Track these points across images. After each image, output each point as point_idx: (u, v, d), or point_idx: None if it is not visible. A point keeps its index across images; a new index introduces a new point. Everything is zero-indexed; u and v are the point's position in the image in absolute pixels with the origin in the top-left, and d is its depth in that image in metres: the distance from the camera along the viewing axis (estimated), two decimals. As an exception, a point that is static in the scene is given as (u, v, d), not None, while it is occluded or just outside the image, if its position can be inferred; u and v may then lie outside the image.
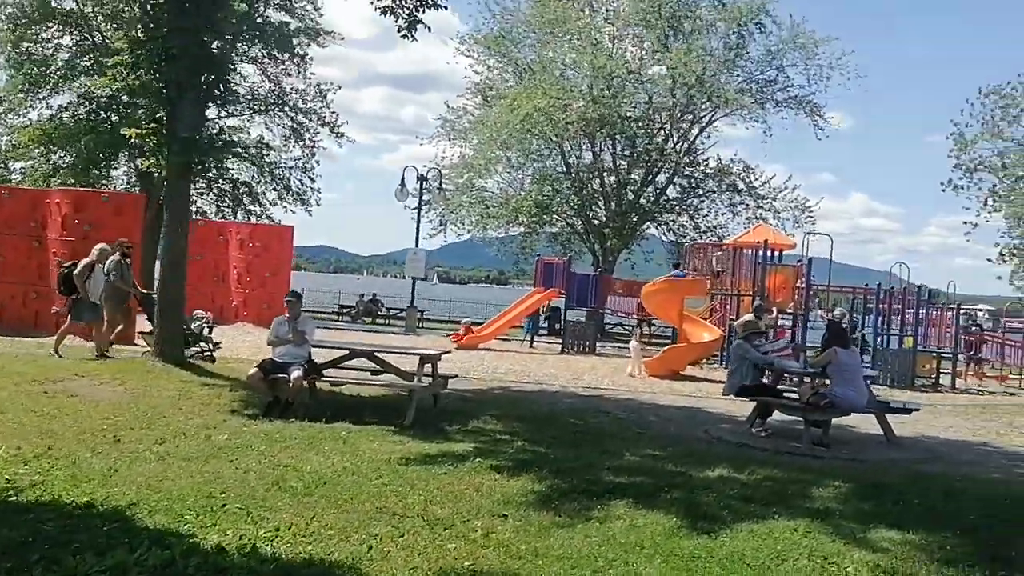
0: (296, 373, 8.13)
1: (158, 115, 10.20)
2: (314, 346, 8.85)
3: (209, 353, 11.50)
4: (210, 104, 10.96)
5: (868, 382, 9.28)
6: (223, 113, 25.53)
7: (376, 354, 9.11)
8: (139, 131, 10.26)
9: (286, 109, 28.21)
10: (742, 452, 7.80)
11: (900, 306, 17.80)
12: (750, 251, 18.17)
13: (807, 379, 9.32)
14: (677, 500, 5.52)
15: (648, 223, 30.30)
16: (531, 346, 21.10)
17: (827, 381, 8.77)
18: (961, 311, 19.27)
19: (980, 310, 33.38)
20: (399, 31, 10.02)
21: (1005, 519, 5.54)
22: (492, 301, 37.75)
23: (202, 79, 10.27)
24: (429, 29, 10.12)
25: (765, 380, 9.69)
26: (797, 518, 5.15)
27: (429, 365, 8.96)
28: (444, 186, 28.29)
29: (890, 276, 19.16)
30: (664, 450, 7.46)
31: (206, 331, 11.83)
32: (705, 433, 8.98)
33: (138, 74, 10.34)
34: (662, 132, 28.96)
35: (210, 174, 24.41)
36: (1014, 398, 16.10)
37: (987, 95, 24.63)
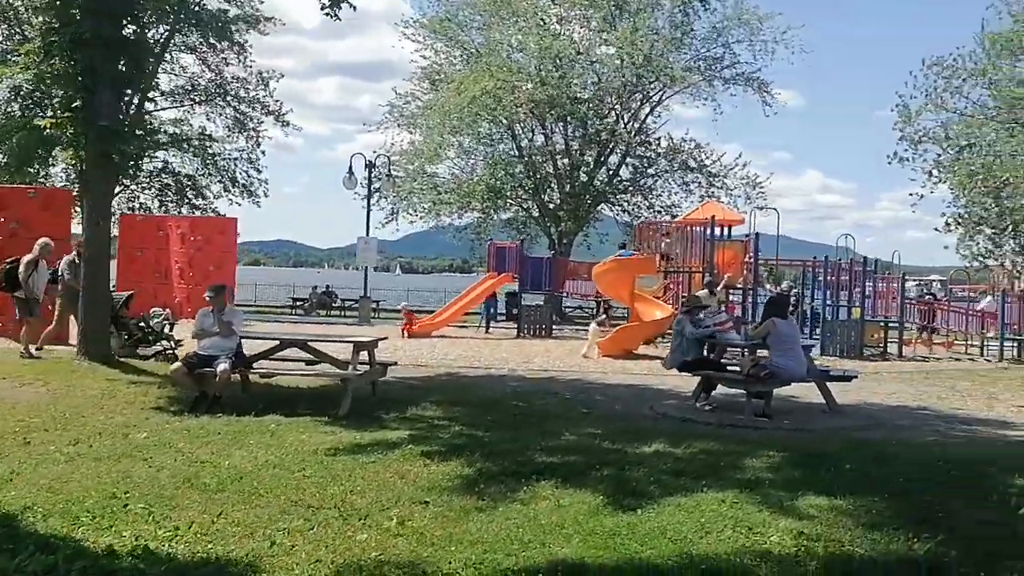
0: (222, 366, 7.82)
1: (74, 104, 9.71)
2: (244, 338, 8.56)
3: (172, 352, 11.05)
4: (131, 91, 10.48)
5: (807, 351, 9.27)
6: (160, 104, 24.77)
7: (309, 343, 8.83)
8: (54, 120, 9.79)
9: (228, 98, 27.48)
10: (684, 427, 7.72)
11: (848, 278, 17.96)
12: (699, 228, 18.16)
13: (747, 351, 9.27)
14: (607, 477, 5.37)
15: (602, 204, 30.29)
16: (487, 331, 20.89)
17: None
18: (912, 282, 19.54)
19: (933, 280, 34.02)
20: (322, 9, 9.69)
21: (939, 481, 5.49)
22: (451, 289, 37.43)
23: (119, 65, 9.83)
24: (354, 8, 9.78)
25: (712, 355, 9.61)
26: (726, 489, 5.02)
27: (365, 352, 8.71)
28: (395, 173, 27.88)
29: (837, 249, 19.33)
30: (605, 428, 7.31)
31: (167, 329, 11.40)
32: (650, 410, 8.87)
33: (52, 62, 9.86)
34: (613, 113, 28.90)
35: (147, 166, 23.64)
36: (959, 363, 16.35)
37: (930, 67, 24.84)
